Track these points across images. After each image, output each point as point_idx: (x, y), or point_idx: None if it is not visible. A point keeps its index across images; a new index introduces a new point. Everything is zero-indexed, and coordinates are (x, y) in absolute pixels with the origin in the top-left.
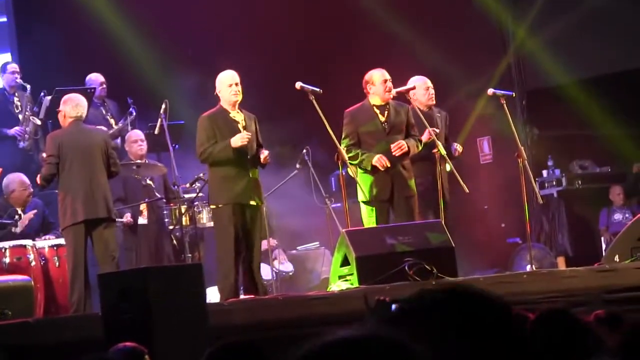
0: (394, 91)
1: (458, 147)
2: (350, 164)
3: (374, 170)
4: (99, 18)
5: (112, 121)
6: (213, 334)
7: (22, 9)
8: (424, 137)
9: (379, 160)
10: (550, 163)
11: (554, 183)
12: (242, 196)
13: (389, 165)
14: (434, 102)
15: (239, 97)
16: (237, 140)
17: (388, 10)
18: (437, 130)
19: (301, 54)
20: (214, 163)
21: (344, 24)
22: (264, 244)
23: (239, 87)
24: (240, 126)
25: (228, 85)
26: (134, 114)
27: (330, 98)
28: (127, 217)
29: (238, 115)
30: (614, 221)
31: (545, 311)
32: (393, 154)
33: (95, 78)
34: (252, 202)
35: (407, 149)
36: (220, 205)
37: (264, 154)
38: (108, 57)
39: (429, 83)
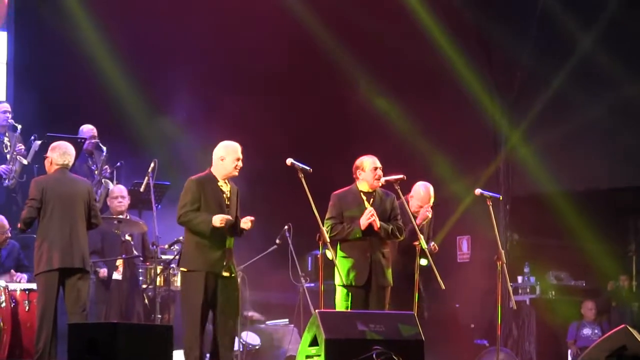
0: (383, 179)
1: (433, 246)
2: (334, 240)
3: (353, 254)
4: (100, 70)
5: (97, 173)
6: None
7: (21, 52)
8: (420, 217)
9: (366, 220)
10: (526, 270)
11: (528, 290)
12: (216, 266)
13: (373, 215)
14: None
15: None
16: (217, 221)
17: (386, 101)
18: (429, 215)
19: (296, 133)
20: (190, 230)
21: (344, 111)
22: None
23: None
24: (225, 197)
25: (236, 158)
26: (104, 154)
27: (319, 179)
28: (103, 272)
29: (225, 186)
30: (582, 335)
31: None
32: (361, 220)
33: (87, 130)
34: (225, 274)
35: (377, 223)
36: (190, 270)
37: (250, 218)
38: (104, 110)
39: (432, 200)
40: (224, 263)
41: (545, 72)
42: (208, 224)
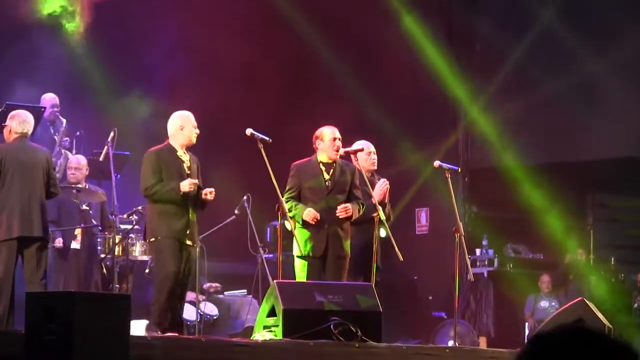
0: (341, 151)
1: (389, 211)
2: (290, 217)
3: (310, 225)
4: (61, 37)
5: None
6: None
7: None
8: (380, 193)
9: (309, 214)
10: (484, 242)
11: (486, 263)
12: (179, 234)
13: (317, 219)
14: (375, 168)
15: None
16: (186, 186)
17: (345, 71)
18: (387, 185)
19: (255, 102)
20: (157, 200)
21: (300, 80)
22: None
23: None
24: (185, 166)
25: (193, 125)
26: (64, 125)
27: (278, 150)
28: (59, 242)
29: (184, 155)
30: (539, 308)
31: None
32: (337, 215)
33: (50, 99)
34: (188, 242)
35: (351, 213)
36: (159, 238)
37: (210, 189)
38: (65, 77)
39: (372, 148)
40: (187, 232)
41: (505, 45)
42: (176, 190)
